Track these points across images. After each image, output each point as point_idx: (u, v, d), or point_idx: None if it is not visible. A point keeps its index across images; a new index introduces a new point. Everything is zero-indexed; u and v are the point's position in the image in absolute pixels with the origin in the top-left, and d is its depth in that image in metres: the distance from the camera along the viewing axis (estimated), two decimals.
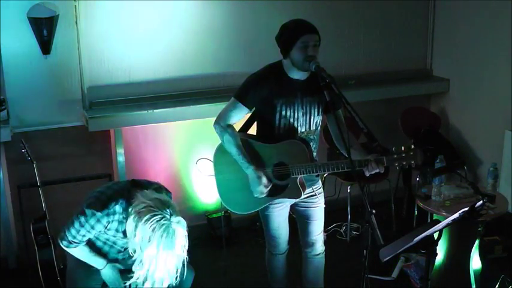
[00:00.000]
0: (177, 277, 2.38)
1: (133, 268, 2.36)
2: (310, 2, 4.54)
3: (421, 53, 5.24)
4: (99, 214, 2.46)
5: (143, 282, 2.34)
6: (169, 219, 2.32)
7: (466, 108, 4.99)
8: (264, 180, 2.90)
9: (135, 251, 2.35)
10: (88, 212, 2.47)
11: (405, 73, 5.17)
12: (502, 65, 4.55)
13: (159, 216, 2.31)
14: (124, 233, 2.50)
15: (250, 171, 2.91)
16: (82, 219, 2.49)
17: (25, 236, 3.89)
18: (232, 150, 2.93)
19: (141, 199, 2.38)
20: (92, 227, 2.50)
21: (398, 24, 5.07)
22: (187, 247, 2.39)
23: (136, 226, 2.33)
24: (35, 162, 3.73)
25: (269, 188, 2.92)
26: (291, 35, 2.83)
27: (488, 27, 4.67)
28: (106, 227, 2.51)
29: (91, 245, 2.67)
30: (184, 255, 2.38)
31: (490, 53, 4.69)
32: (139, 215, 2.32)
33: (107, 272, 2.72)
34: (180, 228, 2.34)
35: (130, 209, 2.39)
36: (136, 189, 2.47)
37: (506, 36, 4.46)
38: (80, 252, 2.66)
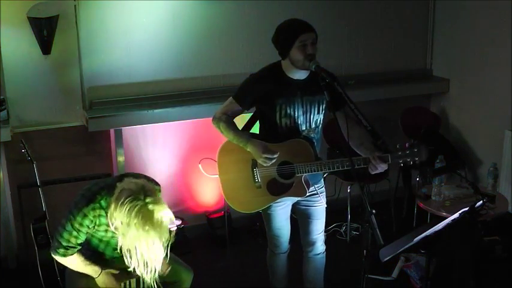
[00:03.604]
0: (162, 261, 2.40)
1: (126, 259, 2.38)
2: (310, 2, 4.54)
3: (421, 53, 5.24)
4: (84, 209, 2.49)
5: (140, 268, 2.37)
6: (143, 199, 2.33)
7: (466, 108, 4.99)
8: (262, 147, 2.88)
9: (121, 244, 2.37)
10: (74, 210, 2.50)
11: (405, 73, 5.16)
12: (502, 65, 4.55)
13: (132, 197, 2.33)
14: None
15: (249, 147, 2.93)
16: (71, 218, 2.51)
17: (25, 236, 3.89)
18: (230, 135, 2.97)
19: (119, 187, 2.41)
20: (81, 224, 2.51)
21: (399, 24, 5.07)
22: (171, 228, 2.40)
23: (115, 212, 2.35)
24: (35, 162, 3.73)
25: (275, 153, 2.88)
26: (289, 35, 2.82)
27: (488, 27, 4.67)
28: (94, 223, 2.52)
29: (87, 243, 2.67)
30: (169, 237, 2.38)
31: (490, 53, 4.68)
32: (117, 201, 2.36)
33: (102, 279, 2.72)
34: (157, 208, 2.34)
35: (111, 201, 2.41)
36: (120, 182, 2.49)
37: (506, 36, 4.46)
38: (75, 263, 2.66)
